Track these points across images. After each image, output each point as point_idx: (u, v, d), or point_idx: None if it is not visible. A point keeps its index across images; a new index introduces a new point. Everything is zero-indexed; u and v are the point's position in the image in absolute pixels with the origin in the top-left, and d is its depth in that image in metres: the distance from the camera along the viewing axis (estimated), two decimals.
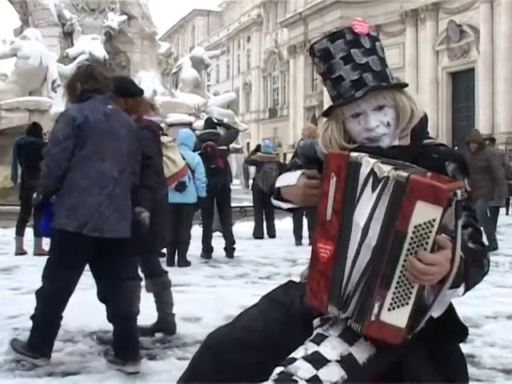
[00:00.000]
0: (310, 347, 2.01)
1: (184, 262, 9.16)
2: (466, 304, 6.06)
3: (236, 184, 12.43)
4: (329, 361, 1.95)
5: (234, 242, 10.16)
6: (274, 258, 9.99)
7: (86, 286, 7.36)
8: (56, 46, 18.77)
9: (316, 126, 10.74)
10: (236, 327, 2.22)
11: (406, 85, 2.20)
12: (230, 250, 10.10)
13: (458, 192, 1.85)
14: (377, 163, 1.94)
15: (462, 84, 42.19)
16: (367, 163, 1.96)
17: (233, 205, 11.57)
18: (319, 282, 2.05)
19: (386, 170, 1.92)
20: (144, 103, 4.93)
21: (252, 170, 17.49)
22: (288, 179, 2.29)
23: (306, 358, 1.96)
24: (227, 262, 9.70)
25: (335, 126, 2.21)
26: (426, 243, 1.85)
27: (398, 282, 1.90)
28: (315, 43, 2.20)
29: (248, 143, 51.71)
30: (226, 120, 14.46)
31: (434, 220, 1.83)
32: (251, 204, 13.85)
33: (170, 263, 9.17)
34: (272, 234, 12.92)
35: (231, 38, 77.13)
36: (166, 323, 5.28)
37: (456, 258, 1.86)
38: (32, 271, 8.43)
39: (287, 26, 58.11)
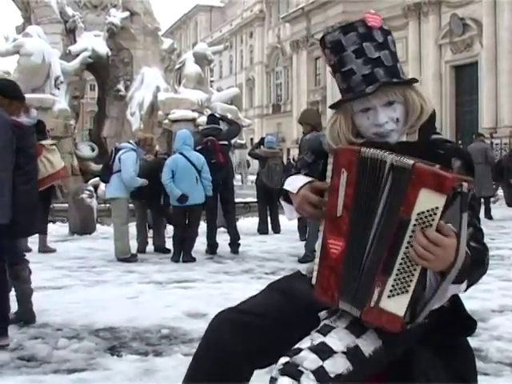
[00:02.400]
0: (316, 338, 2.01)
1: (189, 258, 9.16)
2: (472, 298, 6.06)
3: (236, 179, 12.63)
4: (335, 352, 1.95)
5: (238, 238, 10.15)
6: (278, 253, 9.98)
7: (90, 282, 7.46)
8: (58, 43, 18.70)
9: None
10: (236, 311, 2.28)
11: (416, 80, 2.19)
12: (234, 245, 10.08)
13: (464, 184, 1.84)
14: (394, 157, 1.94)
15: (465, 78, 42.12)
16: (388, 159, 1.95)
17: (237, 200, 11.56)
18: (329, 278, 2.06)
19: (399, 161, 1.93)
20: (18, 106, 5.17)
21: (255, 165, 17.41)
22: (293, 185, 2.28)
23: (312, 349, 1.96)
24: (232, 257, 9.68)
25: (344, 119, 2.21)
26: None
27: (398, 269, 1.91)
28: (326, 34, 2.19)
29: (252, 139, 51.65)
30: (229, 116, 14.43)
31: (436, 208, 1.84)
32: (255, 200, 13.79)
33: (176, 259, 9.18)
34: (277, 230, 12.89)
35: (234, 34, 77.13)
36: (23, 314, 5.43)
37: (461, 249, 1.86)
38: (37, 268, 8.41)
39: (290, 21, 58.07)
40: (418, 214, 1.86)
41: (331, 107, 2.25)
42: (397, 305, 1.92)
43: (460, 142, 35.12)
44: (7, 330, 4.82)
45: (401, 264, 1.90)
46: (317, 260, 2.11)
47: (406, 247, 1.88)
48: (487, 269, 2.07)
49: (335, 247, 2.04)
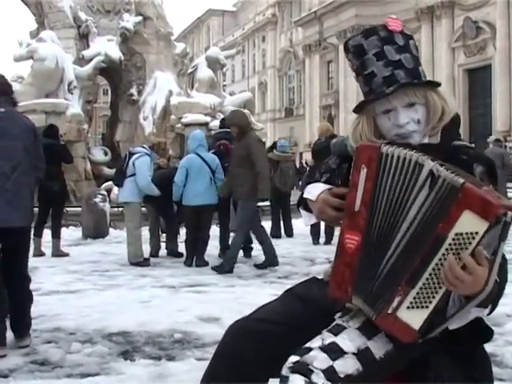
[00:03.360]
0: (326, 337, 2.00)
1: (202, 262, 9.15)
2: None
3: None
4: (345, 352, 1.95)
5: (251, 242, 10.12)
6: (291, 257, 9.96)
7: (103, 286, 7.47)
8: (72, 48, 18.81)
9: (331, 124, 10.53)
10: (251, 319, 2.27)
11: (439, 84, 2.19)
12: (247, 249, 10.06)
13: (509, 214, 1.80)
14: (435, 165, 1.90)
15: (478, 81, 41.93)
16: (428, 164, 1.91)
17: None
18: (344, 273, 2.04)
19: (443, 172, 1.88)
20: None
21: None
22: (312, 192, 2.28)
23: (323, 349, 1.96)
24: (245, 261, 9.66)
25: (366, 121, 2.22)
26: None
27: (424, 284, 1.88)
28: (349, 39, 2.22)
29: (264, 143, 51.64)
30: None
31: (476, 233, 1.79)
32: (268, 203, 13.76)
33: (189, 263, 9.16)
34: (289, 234, 12.88)
35: (246, 38, 77.19)
36: None
37: (491, 278, 1.83)
38: (50, 272, 8.48)
39: (302, 24, 58.06)
40: (456, 235, 1.82)
41: (354, 111, 2.25)
42: (414, 317, 1.90)
43: (474, 145, 34.97)
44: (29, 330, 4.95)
45: (427, 279, 1.88)
46: (333, 258, 2.10)
47: (436, 264, 1.86)
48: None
49: (351, 242, 2.02)
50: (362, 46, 2.17)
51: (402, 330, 1.91)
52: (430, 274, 1.87)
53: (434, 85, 2.17)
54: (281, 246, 11.55)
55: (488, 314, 2.00)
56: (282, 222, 12.98)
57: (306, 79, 58.91)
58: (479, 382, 2.09)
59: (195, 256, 9.21)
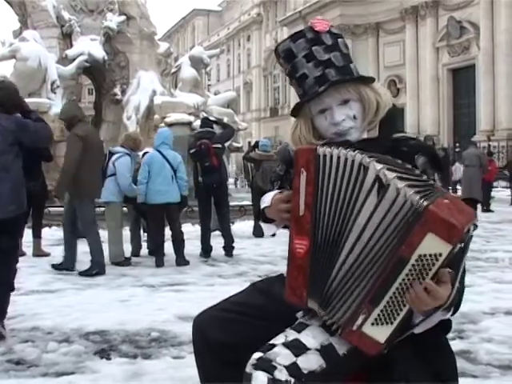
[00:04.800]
0: (290, 334, 2.03)
1: (182, 261, 9.14)
2: (464, 300, 6.05)
3: (230, 183, 12.75)
4: (308, 349, 1.97)
5: (232, 241, 10.13)
6: (273, 256, 9.97)
7: (82, 286, 7.46)
8: (55, 48, 18.73)
9: None
10: (215, 309, 2.34)
11: (372, 79, 2.22)
12: (228, 248, 10.08)
13: (471, 228, 1.83)
14: (382, 170, 1.86)
15: (462, 80, 42.15)
16: (373, 167, 1.87)
17: (232, 204, 11.52)
18: (297, 277, 2.05)
19: (398, 184, 1.84)
20: None
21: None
22: (267, 200, 2.31)
23: (286, 345, 1.98)
24: (226, 260, 9.67)
25: (303, 123, 2.25)
26: (426, 274, 1.83)
27: (387, 302, 1.88)
28: (279, 45, 2.26)
29: (249, 142, 51.57)
30: (225, 119, 14.44)
31: (440, 255, 1.79)
32: (250, 202, 13.78)
33: (160, 263, 9.07)
34: (272, 234, 12.84)
35: (231, 38, 77.20)
36: None
37: (454, 291, 1.86)
38: (31, 272, 8.44)
39: (287, 24, 58.08)
40: (420, 256, 1.81)
41: (292, 115, 2.29)
42: (379, 333, 1.91)
43: (458, 144, 35.21)
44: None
45: (391, 298, 1.88)
46: (286, 262, 2.11)
47: (400, 283, 1.86)
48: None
49: (300, 247, 2.03)
50: (291, 49, 2.20)
51: (368, 344, 1.93)
52: (394, 293, 1.87)
53: (368, 80, 2.20)
54: (263, 245, 11.58)
55: (452, 315, 2.02)
56: None
57: None
58: (447, 382, 2.11)
59: (175, 255, 9.19)
